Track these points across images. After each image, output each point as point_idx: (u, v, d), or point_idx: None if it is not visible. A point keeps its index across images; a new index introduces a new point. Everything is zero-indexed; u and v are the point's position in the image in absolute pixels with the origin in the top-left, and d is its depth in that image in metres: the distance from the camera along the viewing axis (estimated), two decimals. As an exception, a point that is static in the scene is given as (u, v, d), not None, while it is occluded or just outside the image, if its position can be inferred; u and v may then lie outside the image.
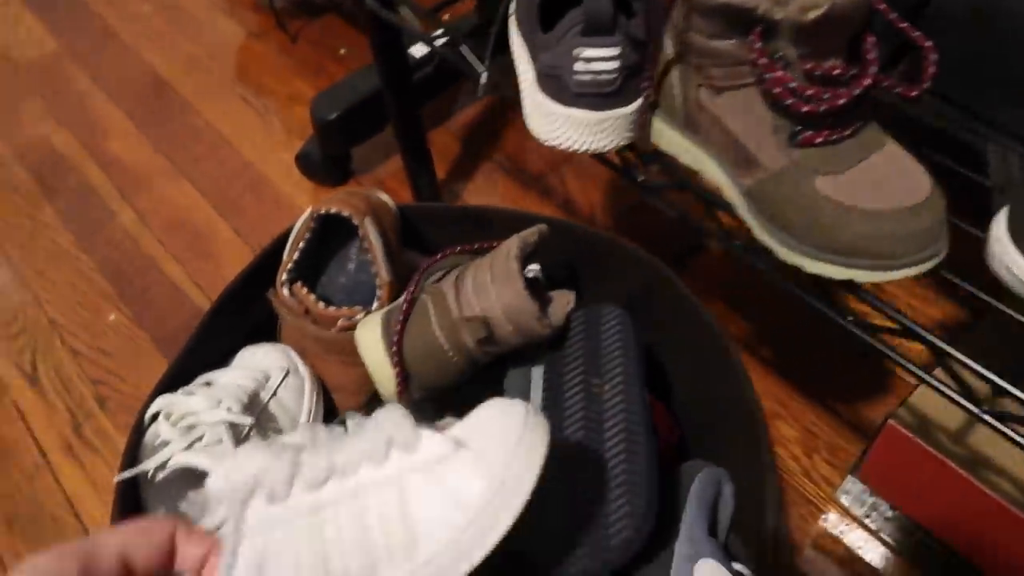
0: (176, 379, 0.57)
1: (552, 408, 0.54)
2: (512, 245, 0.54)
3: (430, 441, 0.37)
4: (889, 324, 0.45)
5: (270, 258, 0.63)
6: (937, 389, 0.42)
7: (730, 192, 0.48)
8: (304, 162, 1.02)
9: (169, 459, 0.49)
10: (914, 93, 0.43)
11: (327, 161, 1.00)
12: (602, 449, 0.49)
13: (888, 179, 0.41)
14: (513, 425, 0.37)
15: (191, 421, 0.51)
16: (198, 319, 0.59)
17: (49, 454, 0.80)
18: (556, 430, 0.52)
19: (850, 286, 0.44)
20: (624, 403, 0.50)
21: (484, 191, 1.00)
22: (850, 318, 0.45)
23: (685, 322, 0.57)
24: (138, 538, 0.33)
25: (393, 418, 0.38)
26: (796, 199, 0.42)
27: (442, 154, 1.04)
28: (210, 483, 0.36)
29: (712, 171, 0.49)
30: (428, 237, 0.69)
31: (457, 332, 0.53)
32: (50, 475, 0.79)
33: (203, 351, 0.60)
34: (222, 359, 0.61)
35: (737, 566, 0.55)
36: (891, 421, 0.56)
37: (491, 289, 0.53)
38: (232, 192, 1.03)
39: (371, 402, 0.63)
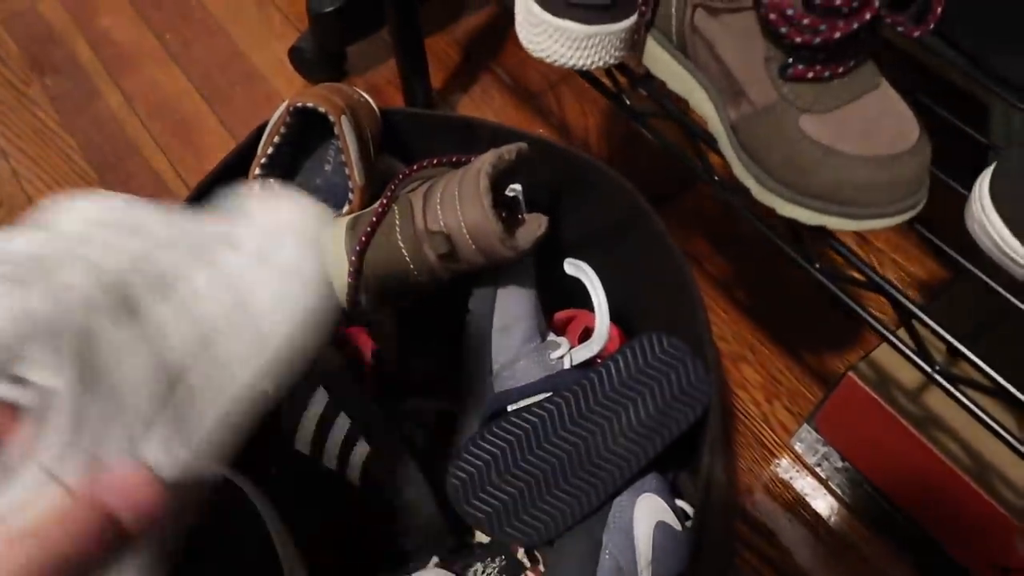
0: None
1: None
2: (485, 161, 0.52)
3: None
4: (858, 276, 0.44)
5: (250, 151, 0.62)
6: (894, 346, 0.42)
7: (715, 124, 0.46)
8: (297, 57, 0.99)
9: None
10: (917, 33, 0.40)
11: (321, 58, 0.97)
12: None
13: (875, 124, 0.39)
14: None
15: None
16: (177, 209, 0.58)
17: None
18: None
19: (822, 232, 0.43)
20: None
21: (479, 105, 0.97)
22: (817, 266, 0.44)
23: (657, 261, 0.56)
24: None
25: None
26: (778, 136, 0.40)
27: (440, 61, 1.00)
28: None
29: (700, 101, 0.46)
30: (412, 146, 0.67)
31: (419, 245, 0.52)
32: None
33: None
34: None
35: (680, 503, 0.56)
36: (850, 373, 0.56)
37: (457, 204, 0.51)
38: (222, 82, 1.00)
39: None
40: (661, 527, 0.53)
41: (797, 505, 0.68)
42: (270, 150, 0.59)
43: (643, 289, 0.59)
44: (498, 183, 0.53)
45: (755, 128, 0.42)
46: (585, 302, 0.66)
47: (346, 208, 0.58)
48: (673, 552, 0.52)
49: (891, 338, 0.42)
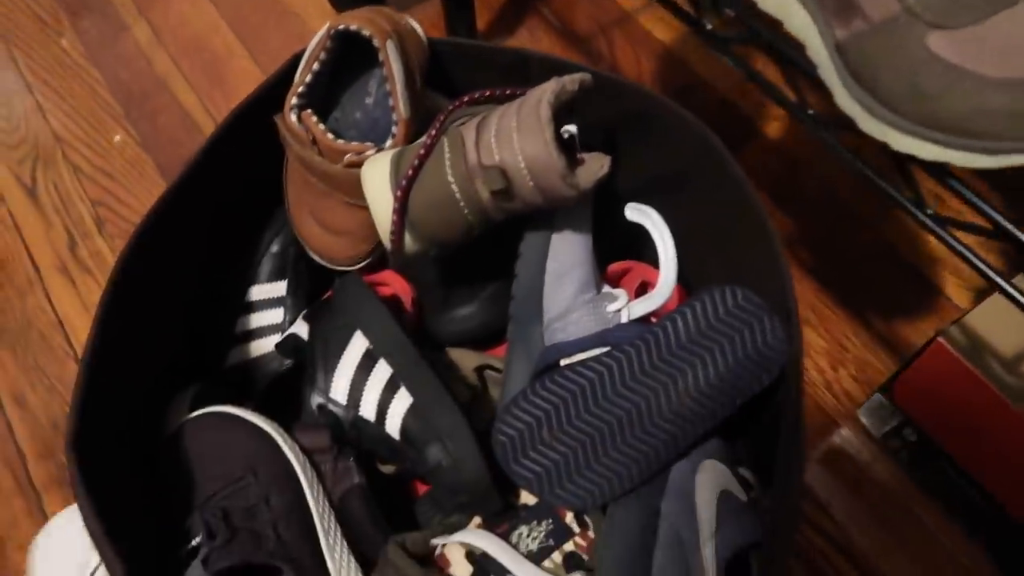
0: (173, 207, 0.52)
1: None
2: (547, 90, 0.47)
3: None
4: (981, 223, 0.38)
5: (285, 81, 0.57)
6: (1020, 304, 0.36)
7: (816, 47, 0.40)
8: (334, -8, 0.93)
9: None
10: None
11: (359, -7, 0.91)
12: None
13: (1018, 42, 0.34)
14: None
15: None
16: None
17: (43, 271, 0.77)
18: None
19: (939, 172, 0.38)
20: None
21: (525, 46, 0.91)
22: (930, 211, 0.39)
23: (730, 209, 0.51)
24: None
25: None
26: (899, 57, 0.35)
27: (485, 1, 0.94)
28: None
29: (798, 20, 0.41)
30: (457, 80, 0.62)
31: (471, 181, 0.48)
32: (42, 292, 0.76)
33: (204, 178, 0.55)
34: (226, 191, 0.56)
35: (743, 471, 0.52)
36: (940, 338, 0.51)
37: (515, 136, 0.47)
38: (255, 18, 0.95)
39: (379, 250, 0.58)
40: (725, 496, 0.48)
41: (858, 478, 0.63)
42: (308, 78, 0.55)
43: (712, 241, 0.54)
44: (555, 119, 0.48)
45: (868, 48, 0.36)
46: (640, 255, 0.61)
47: (389, 142, 0.54)
48: (737, 524, 0.47)
49: (1011, 291, 0.37)
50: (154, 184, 0.81)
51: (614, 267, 0.61)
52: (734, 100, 0.82)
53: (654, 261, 0.60)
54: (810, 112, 0.42)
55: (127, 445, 0.49)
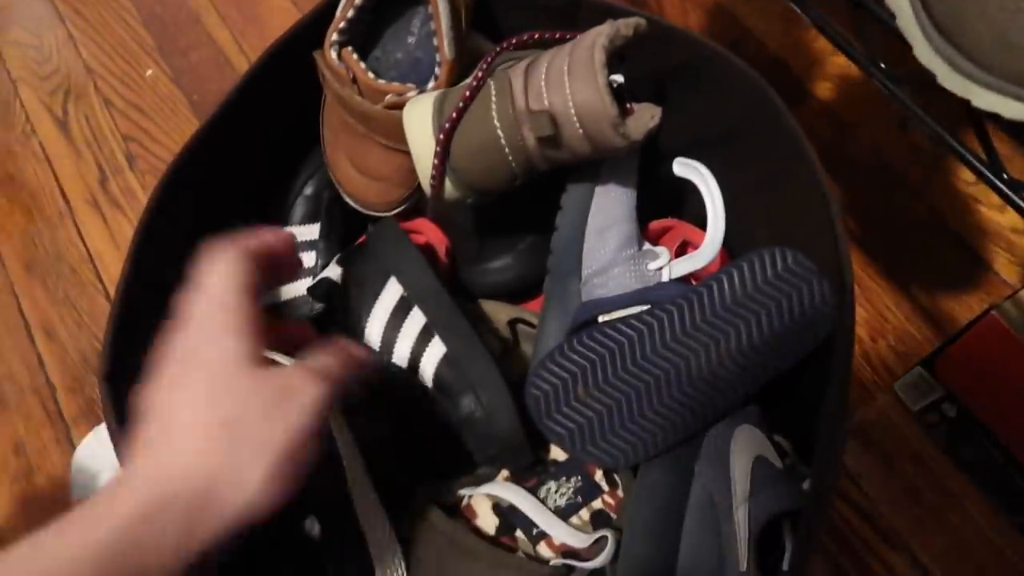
0: (207, 144, 0.51)
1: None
2: (600, 33, 0.45)
3: None
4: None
5: (323, 19, 0.55)
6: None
7: (896, -6, 0.37)
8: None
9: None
10: None
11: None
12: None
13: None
14: None
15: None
16: (239, 87, 0.53)
17: (73, 204, 0.77)
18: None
19: (1021, 133, 0.35)
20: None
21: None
22: (1006, 176, 0.37)
23: (783, 166, 0.49)
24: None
25: None
26: (989, 5, 0.32)
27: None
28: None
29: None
30: (501, 23, 0.60)
31: (518, 126, 0.46)
32: (73, 226, 0.76)
33: (239, 116, 0.53)
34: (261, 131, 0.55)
35: (777, 438, 0.51)
36: (993, 312, 0.49)
37: (566, 81, 0.45)
38: (291, -46, 0.93)
39: (415, 196, 0.57)
40: (760, 462, 0.47)
41: (891, 452, 0.62)
42: (351, 13, 0.53)
43: (761, 201, 0.52)
44: (608, 65, 0.46)
45: (955, -4, 0.34)
46: (681, 213, 0.60)
47: (431, 84, 0.52)
48: (772, 490, 0.46)
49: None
50: (186, 121, 0.80)
51: (655, 225, 0.59)
52: (784, 58, 0.79)
53: (694, 220, 0.58)
54: (882, 66, 0.39)
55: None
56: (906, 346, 0.66)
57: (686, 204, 0.60)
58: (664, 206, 0.59)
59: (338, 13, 0.54)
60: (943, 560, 0.59)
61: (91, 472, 0.63)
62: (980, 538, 0.59)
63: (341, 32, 0.53)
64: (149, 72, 0.84)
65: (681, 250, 0.59)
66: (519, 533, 0.48)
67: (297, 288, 0.61)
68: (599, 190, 0.52)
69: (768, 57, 0.80)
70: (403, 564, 0.46)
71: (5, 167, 0.78)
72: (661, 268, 0.52)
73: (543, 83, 0.45)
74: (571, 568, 0.48)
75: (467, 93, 0.47)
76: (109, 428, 0.40)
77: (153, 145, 0.79)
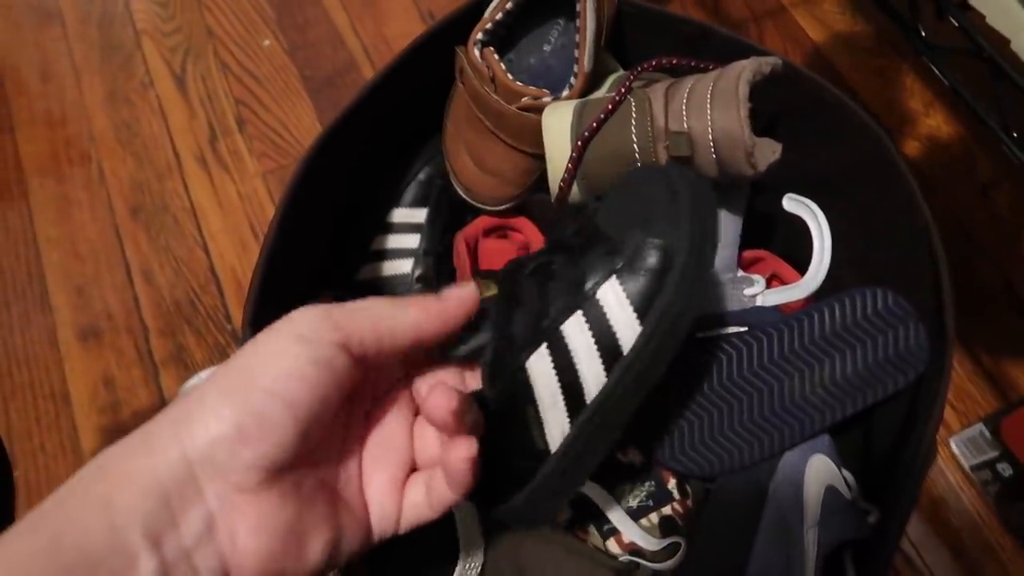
0: (346, 124, 0.54)
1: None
2: (746, 67, 0.48)
3: None
4: None
5: (467, 17, 0.58)
6: None
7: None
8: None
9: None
10: None
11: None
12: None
13: None
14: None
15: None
16: (350, 69, 0.55)
17: (182, 158, 0.81)
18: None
19: None
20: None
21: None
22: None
23: (894, 218, 0.51)
24: (427, 322, 0.32)
25: None
26: None
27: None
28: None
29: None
30: (630, 43, 0.63)
31: (654, 143, 0.49)
32: (180, 179, 0.79)
33: (375, 102, 0.56)
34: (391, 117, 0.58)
35: (845, 472, 0.53)
36: (1073, 381, 0.51)
37: (708, 108, 0.48)
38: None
39: (523, 196, 0.60)
40: (831, 491, 0.50)
41: (939, 505, 0.64)
42: (499, 16, 0.56)
43: (855, 243, 0.55)
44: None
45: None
46: (767, 246, 0.62)
47: (566, 93, 0.55)
48: (840, 518, 0.49)
49: None
50: (296, 94, 0.84)
51: (747, 254, 0.62)
52: (876, 113, 0.82)
53: (782, 254, 0.61)
54: (1014, 135, 0.42)
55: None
56: (964, 404, 0.68)
57: (773, 238, 0.63)
58: (753, 236, 0.62)
59: (487, 14, 0.57)
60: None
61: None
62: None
63: (486, 32, 0.56)
64: (266, 42, 0.88)
65: (768, 282, 0.62)
66: (591, 527, 0.51)
67: (397, 266, 0.64)
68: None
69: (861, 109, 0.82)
70: (483, 543, 0.49)
71: (121, 114, 0.82)
72: (755, 295, 0.54)
73: (684, 107, 0.48)
74: (637, 565, 0.50)
75: (609, 106, 0.50)
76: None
77: (263, 112, 0.83)
